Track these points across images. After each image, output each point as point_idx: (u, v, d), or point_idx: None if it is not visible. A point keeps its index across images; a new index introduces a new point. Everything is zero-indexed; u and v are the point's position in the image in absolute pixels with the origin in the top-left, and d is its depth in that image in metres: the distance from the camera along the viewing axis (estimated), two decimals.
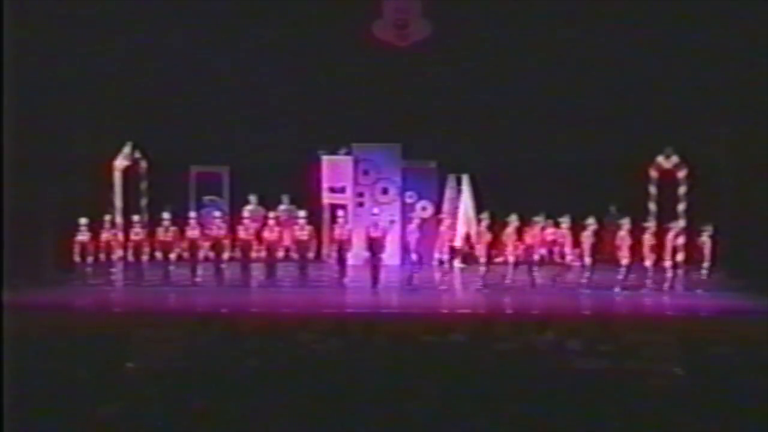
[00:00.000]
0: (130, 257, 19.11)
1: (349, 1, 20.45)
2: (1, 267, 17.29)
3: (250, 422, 10.20)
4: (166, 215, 19.25)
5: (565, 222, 19.03)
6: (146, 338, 14.41)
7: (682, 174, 19.29)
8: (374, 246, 19.24)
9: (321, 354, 13.05)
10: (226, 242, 19.21)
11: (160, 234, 19.14)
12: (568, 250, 19.08)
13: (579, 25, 20.34)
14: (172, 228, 19.18)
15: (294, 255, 19.57)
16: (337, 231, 19.69)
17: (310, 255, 19.57)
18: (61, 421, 10.25)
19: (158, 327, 14.94)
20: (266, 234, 19.32)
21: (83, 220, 18.79)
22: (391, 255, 20.50)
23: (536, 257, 19.00)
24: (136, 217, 19.60)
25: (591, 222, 18.96)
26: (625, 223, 18.88)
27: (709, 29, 19.52)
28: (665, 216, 19.07)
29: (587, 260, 18.93)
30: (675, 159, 19.35)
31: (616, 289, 18.61)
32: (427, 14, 21.01)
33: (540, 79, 20.71)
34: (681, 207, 19.16)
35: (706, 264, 18.65)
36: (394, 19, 21.12)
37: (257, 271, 19.43)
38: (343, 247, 19.48)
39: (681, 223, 18.97)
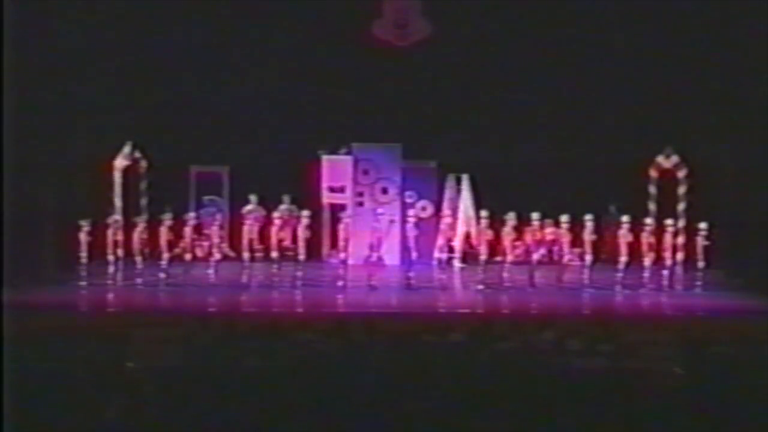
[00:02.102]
0: (130, 257, 19.08)
1: (349, 1, 20.46)
2: (1, 267, 17.28)
3: (250, 422, 10.21)
4: (166, 215, 19.23)
5: (565, 221, 19.01)
6: (146, 338, 14.41)
7: (682, 174, 19.27)
8: (374, 246, 19.24)
9: (321, 354, 13.06)
10: (226, 242, 19.17)
11: (160, 234, 19.11)
12: (567, 249, 19.07)
13: (579, 25, 20.36)
14: (172, 228, 19.15)
15: (294, 255, 19.52)
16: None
17: (311, 255, 19.53)
18: (61, 421, 10.26)
19: (158, 327, 14.94)
20: (267, 233, 19.29)
21: (83, 220, 18.77)
22: (390, 255, 20.48)
23: (536, 257, 18.98)
24: (136, 217, 19.57)
25: (590, 221, 18.95)
26: (625, 222, 18.87)
27: (709, 29, 19.54)
28: (665, 215, 19.05)
29: (587, 260, 18.92)
30: (675, 159, 19.32)
31: (616, 289, 18.60)
32: (427, 14, 21.01)
33: (540, 78, 20.71)
34: (681, 207, 19.14)
35: (705, 264, 18.64)
36: (394, 19, 21.13)
37: (258, 271, 19.41)
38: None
39: (681, 222, 18.96)
